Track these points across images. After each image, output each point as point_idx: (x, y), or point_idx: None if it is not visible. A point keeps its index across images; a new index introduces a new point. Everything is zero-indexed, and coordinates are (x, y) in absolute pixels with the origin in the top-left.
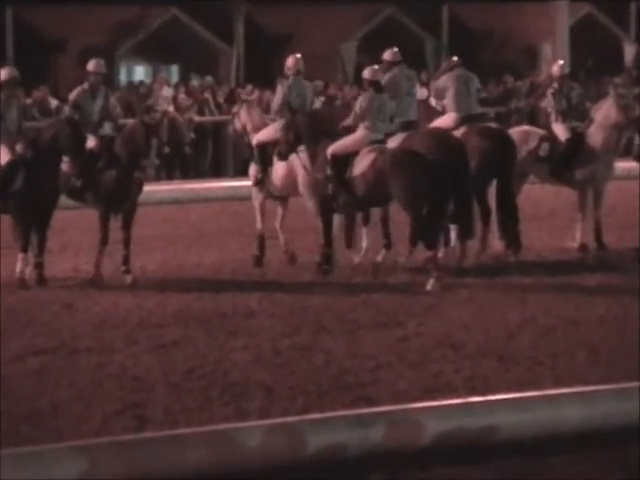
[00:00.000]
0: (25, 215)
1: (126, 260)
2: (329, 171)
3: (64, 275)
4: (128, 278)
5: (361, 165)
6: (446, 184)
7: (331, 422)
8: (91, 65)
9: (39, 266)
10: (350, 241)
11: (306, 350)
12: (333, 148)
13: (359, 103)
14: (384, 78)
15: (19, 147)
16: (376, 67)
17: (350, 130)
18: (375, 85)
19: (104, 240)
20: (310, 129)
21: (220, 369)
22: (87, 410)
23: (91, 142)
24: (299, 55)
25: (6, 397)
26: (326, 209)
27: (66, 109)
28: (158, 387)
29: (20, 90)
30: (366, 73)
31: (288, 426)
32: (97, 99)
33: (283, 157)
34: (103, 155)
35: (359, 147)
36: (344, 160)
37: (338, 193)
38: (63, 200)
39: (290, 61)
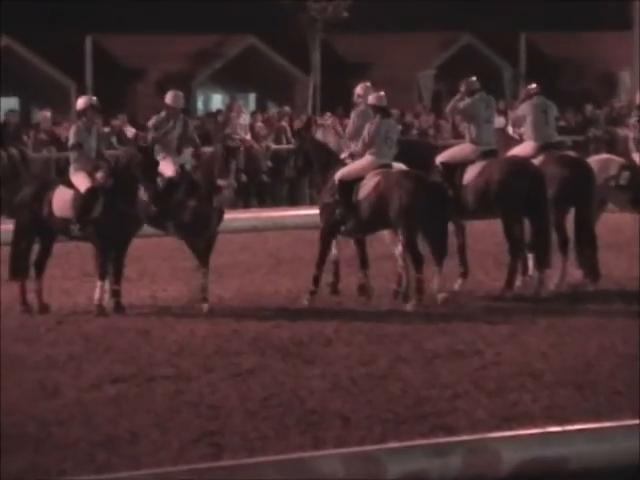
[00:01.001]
0: (104, 242)
1: (204, 288)
2: (337, 196)
3: (141, 303)
4: (205, 306)
5: (365, 189)
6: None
7: (409, 451)
8: (169, 99)
9: (116, 294)
10: (366, 263)
11: (383, 379)
12: (341, 173)
13: (367, 130)
14: (463, 104)
15: (99, 175)
16: (382, 93)
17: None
18: (382, 111)
19: (205, 264)
20: (319, 155)
21: (297, 397)
22: (164, 437)
23: (170, 170)
24: (368, 83)
25: (84, 424)
26: (328, 233)
27: (140, 136)
28: (235, 415)
29: (99, 118)
30: (371, 99)
31: (366, 455)
32: (176, 127)
33: (292, 180)
34: (183, 184)
35: (365, 172)
36: (351, 185)
37: (346, 217)
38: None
39: (359, 90)
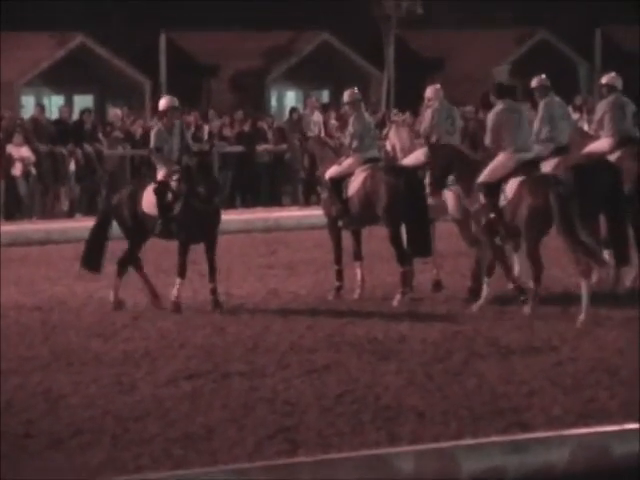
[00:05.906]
0: (184, 240)
1: None
2: (327, 193)
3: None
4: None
5: (354, 185)
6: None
7: (485, 448)
8: None
9: (213, 291)
10: (359, 255)
11: (458, 375)
12: (330, 171)
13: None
14: (540, 105)
15: (174, 184)
16: (355, 89)
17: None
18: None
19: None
20: (324, 153)
21: (372, 393)
22: (240, 434)
23: None
24: (438, 85)
25: (160, 420)
26: (332, 228)
27: (214, 133)
28: (310, 411)
29: (180, 118)
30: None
31: (442, 451)
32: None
33: (307, 181)
34: None
35: (353, 169)
36: (341, 182)
37: (340, 213)
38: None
39: (430, 92)
